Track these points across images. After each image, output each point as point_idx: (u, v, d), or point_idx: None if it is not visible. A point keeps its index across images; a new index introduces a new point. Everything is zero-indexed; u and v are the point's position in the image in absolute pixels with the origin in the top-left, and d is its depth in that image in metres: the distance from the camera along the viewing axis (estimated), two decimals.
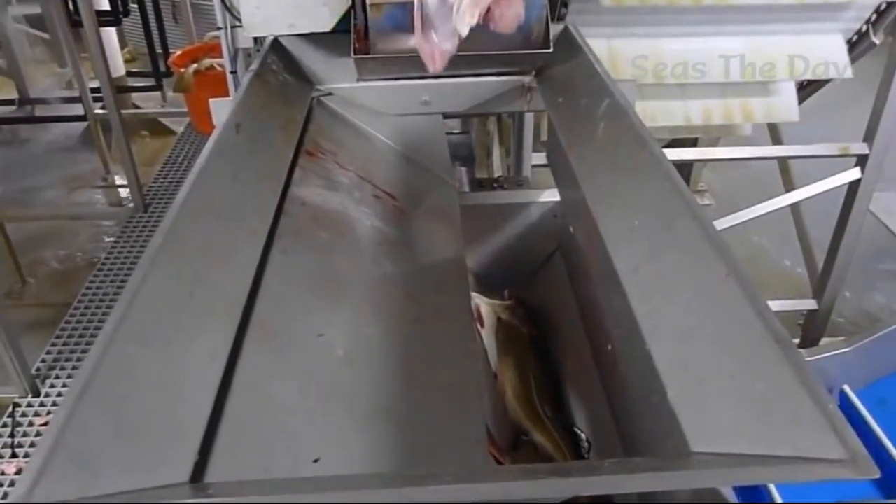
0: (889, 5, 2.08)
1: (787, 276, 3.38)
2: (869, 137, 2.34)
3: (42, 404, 2.59)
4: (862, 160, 2.37)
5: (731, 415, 0.69)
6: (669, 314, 0.83)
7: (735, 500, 0.70)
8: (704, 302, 0.81)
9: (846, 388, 2.45)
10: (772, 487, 2.08)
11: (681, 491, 0.70)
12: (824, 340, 2.79)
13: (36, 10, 5.00)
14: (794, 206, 2.76)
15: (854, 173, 2.40)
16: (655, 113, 2.23)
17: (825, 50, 2.13)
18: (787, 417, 0.65)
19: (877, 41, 2.18)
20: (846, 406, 2.41)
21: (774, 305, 2.71)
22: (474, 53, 1.53)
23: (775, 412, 0.66)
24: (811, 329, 2.78)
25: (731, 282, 0.78)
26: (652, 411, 0.77)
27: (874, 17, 2.13)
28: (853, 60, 2.26)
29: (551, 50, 1.51)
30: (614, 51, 2.06)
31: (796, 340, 2.83)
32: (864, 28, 2.16)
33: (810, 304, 2.73)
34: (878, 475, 0.58)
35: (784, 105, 2.30)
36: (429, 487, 0.60)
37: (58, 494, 0.59)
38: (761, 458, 0.63)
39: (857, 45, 2.23)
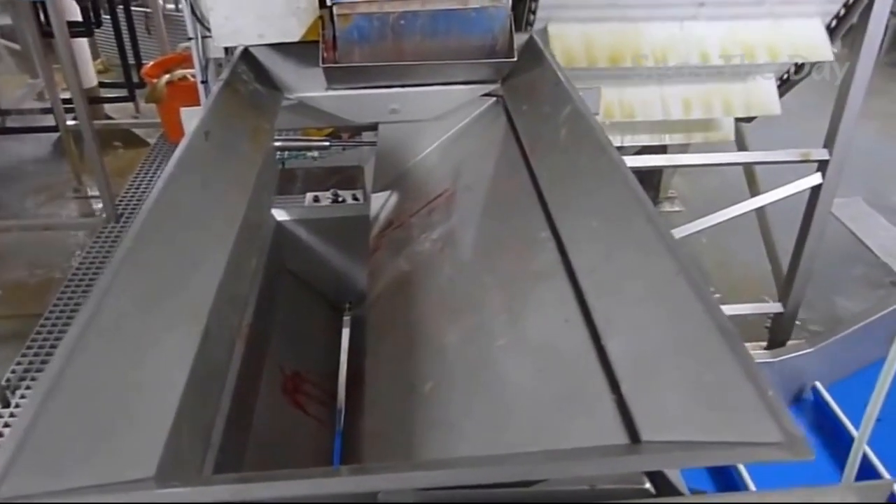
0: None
1: (756, 281, 3.45)
2: (829, 143, 2.40)
3: (12, 415, 2.57)
4: (823, 165, 2.44)
5: (680, 404, 0.72)
6: (623, 311, 0.86)
7: (684, 483, 0.73)
8: (656, 299, 0.84)
9: (818, 384, 2.52)
10: (745, 474, 2.13)
11: (632, 474, 0.73)
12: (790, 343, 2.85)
13: (6, 21, 4.97)
14: (760, 211, 2.83)
15: (815, 178, 2.47)
16: (633, 105, 2.23)
17: (805, 34, 2.14)
18: (731, 405, 0.68)
19: (834, 49, 2.25)
20: (818, 401, 2.48)
21: (741, 309, 2.77)
22: (441, 63, 1.57)
23: (720, 401, 0.69)
24: (777, 331, 2.84)
25: (680, 279, 0.82)
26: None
27: (849, 1, 2.14)
28: (810, 70, 2.33)
29: (515, 59, 1.55)
30: (589, 37, 2.05)
31: (763, 343, 2.89)
32: (842, 12, 2.17)
33: (776, 307, 2.79)
34: (812, 457, 0.61)
35: (764, 96, 2.31)
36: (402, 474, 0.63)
37: (24, 490, 0.61)
38: (706, 443, 0.67)
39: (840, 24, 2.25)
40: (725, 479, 2.19)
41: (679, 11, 2.09)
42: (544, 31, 2.00)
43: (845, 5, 2.17)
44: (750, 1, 2.10)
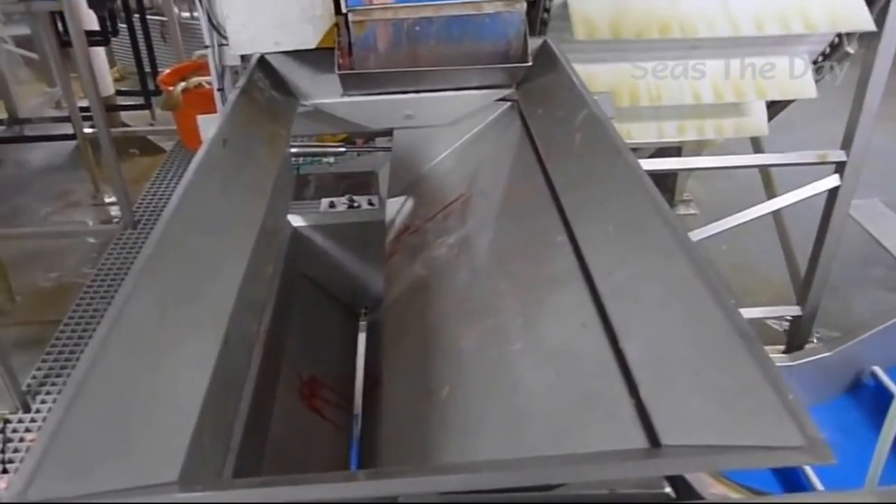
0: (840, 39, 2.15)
1: (774, 283, 3.43)
2: (846, 145, 2.39)
3: (33, 420, 2.60)
4: (840, 167, 2.42)
5: (699, 408, 0.72)
6: (641, 314, 0.86)
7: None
8: (674, 302, 0.84)
9: (876, 368, 2.49)
10: (809, 472, 2.11)
11: (652, 478, 0.73)
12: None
13: (25, 30, 5.03)
14: (776, 214, 2.81)
15: (833, 180, 2.45)
16: (630, 131, 2.25)
17: (842, 4, 2.06)
18: (751, 409, 0.68)
19: (850, 50, 2.23)
20: (878, 387, 2.45)
21: (759, 312, 2.76)
22: (456, 68, 1.57)
23: (740, 404, 0.69)
24: (796, 334, 2.82)
25: (698, 282, 0.81)
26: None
27: (835, 42, 2.20)
28: (830, 68, 2.31)
29: (530, 63, 1.55)
30: (614, 7, 1.97)
31: (782, 347, 2.87)
32: (836, 41, 2.21)
33: (794, 310, 2.77)
34: (834, 461, 0.61)
35: (754, 122, 2.34)
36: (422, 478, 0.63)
37: (51, 493, 0.62)
38: (727, 447, 0.66)
39: (831, 54, 2.27)
40: (790, 477, 2.16)
41: (673, 53, 2.10)
42: (564, 5, 1.93)
43: (831, 45, 2.20)
44: (739, 42, 2.07)
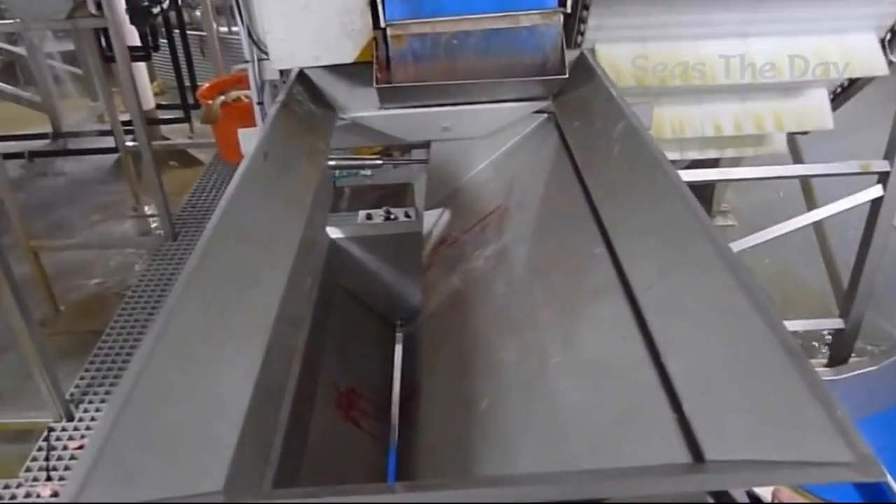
0: None
1: (815, 296, 3.36)
2: (890, 154, 2.34)
3: (76, 428, 2.65)
4: (883, 177, 2.37)
5: (744, 423, 0.71)
6: (683, 328, 0.85)
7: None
8: (716, 315, 0.83)
9: None
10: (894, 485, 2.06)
11: (696, 492, 0.72)
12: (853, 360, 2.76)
13: (69, 46, 5.17)
14: (818, 225, 2.76)
15: (876, 190, 2.40)
16: (683, 122, 2.25)
17: (858, 49, 2.12)
18: (797, 423, 0.67)
19: (894, 59, 2.19)
20: None
21: (800, 325, 2.70)
22: (493, 81, 1.58)
23: (786, 419, 0.68)
24: (838, 348, 2.76)
25: (741, 295, 0.81)
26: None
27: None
28: (865, 83, 2.28)
29: (567, 76, 1.55)
30: (638, 56, 2.05)
31: (824, 360, 2.81)
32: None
33: (837, 323, 2.71)
34: (885, 478, 0.60)
35: (816, 110, 2.30)
36: (461, 490, 0.63)
37: (102, 499, 0.63)
38: (774, 463, 0.65)
39: (849, 88, 2.26)
40: (873, 490, 2.10)
41: (729, 29, 2.09)
42: (592, 51, 2.02)
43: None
44: (801, 17, 2.07)
